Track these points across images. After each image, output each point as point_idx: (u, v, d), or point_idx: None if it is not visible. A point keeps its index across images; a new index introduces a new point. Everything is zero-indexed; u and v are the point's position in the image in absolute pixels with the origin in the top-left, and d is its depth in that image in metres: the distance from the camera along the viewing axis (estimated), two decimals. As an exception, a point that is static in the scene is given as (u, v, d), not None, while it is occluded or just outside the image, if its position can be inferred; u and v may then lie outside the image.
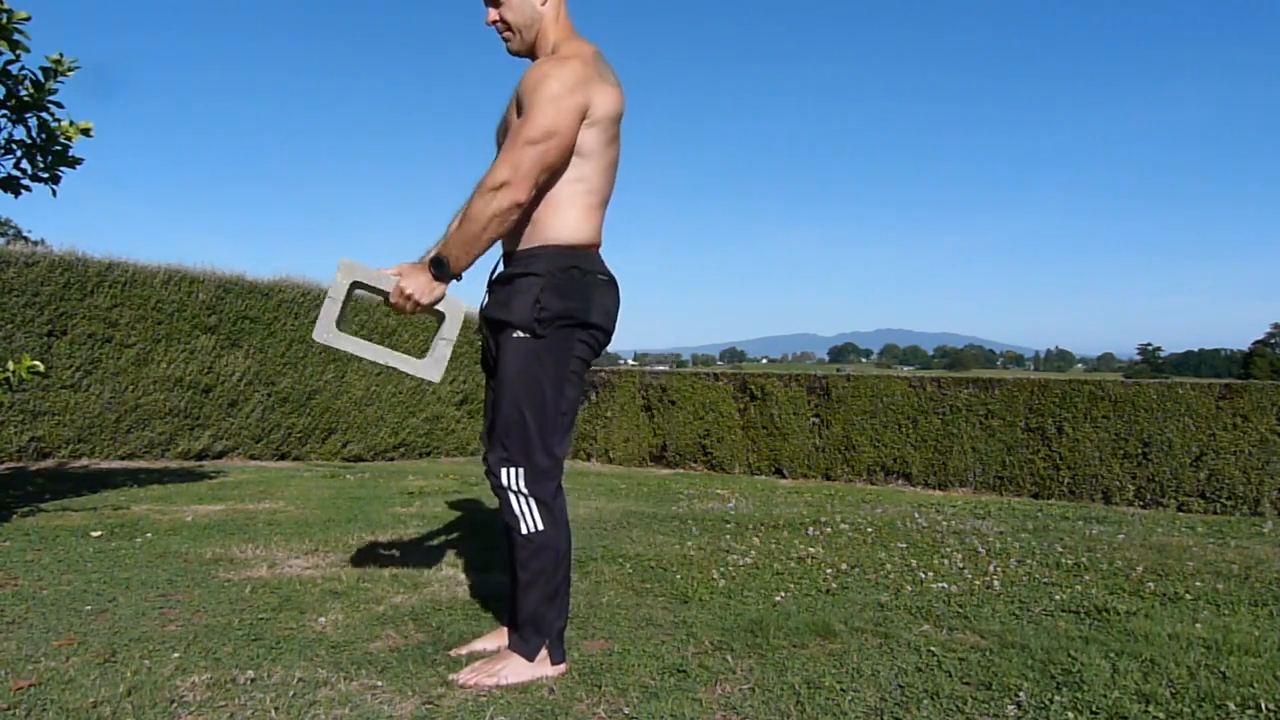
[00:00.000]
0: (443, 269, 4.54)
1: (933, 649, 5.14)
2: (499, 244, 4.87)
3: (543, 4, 4.82)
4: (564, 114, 4.49)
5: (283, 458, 16.61)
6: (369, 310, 17.72)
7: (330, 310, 4.79)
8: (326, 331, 4.79)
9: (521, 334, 4.66)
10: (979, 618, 5.89)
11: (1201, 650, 5.21)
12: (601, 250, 4.89)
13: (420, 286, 4.58)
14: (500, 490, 4.61)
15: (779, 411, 17.73)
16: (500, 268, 4.87)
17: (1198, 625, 5.79)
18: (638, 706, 4.22)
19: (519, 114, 4.59)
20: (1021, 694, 4.42)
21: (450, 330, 4.76)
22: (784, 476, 17.45)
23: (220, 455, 15.77)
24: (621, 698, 4.33)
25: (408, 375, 4.52)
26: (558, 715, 4.15)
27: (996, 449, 15.99)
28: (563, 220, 4.66)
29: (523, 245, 4.71)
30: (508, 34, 4.89)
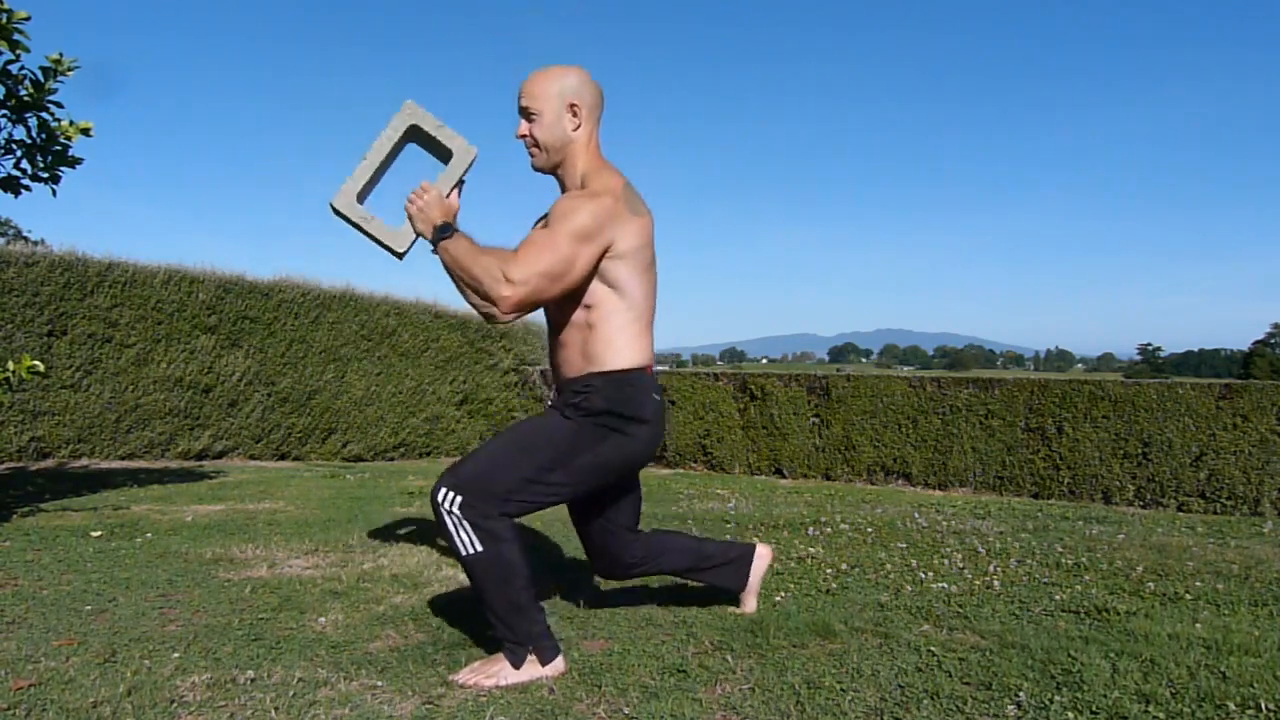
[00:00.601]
0: (444, 233, 4.60)
1: (933, 649, 5.12)
2: (551, 370, 5.09)
3: (575, 129, 4.91)
4: (580, 258, 4.61)
5: (283, 458, 16.66)
6: (368, 310, 17.91)
7: (363, 172, 4.78)
8: (348, 200, 4.76)
9: (554, 408, 4.88)
10: (979, 618, 5.86)
11: (1201, 650, 5.16)
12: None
13: (430, 215, 4.66)
14: (434, 507, 4.64)
15: (779, 411, 17.64)
16: (556, 393, 5.01)
17: (1198, 625, 5.75)
18: (638, 706, 4.22)
19: (548, 224, 4.69)
20: (1021, 694, 4.40)
21: (380, 231, 4.73)
22: (784, 476, 17.42)
23: (220, 455, 15.81)
24: (621, 697, 4.34)
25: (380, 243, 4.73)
26: (557, 715, 4.17)
27: (996, 449, 15.96)
28: (616, 351, 4.81)
29: (575, 373, 4.86)
30: (535, 150, 4.96)
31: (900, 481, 16.70)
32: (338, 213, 4.76)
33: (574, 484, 4.80)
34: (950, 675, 4.71)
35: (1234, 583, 7.20)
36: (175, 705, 4.18)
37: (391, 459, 18.27)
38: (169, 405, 15.09)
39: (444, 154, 4.86)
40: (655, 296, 5.06)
